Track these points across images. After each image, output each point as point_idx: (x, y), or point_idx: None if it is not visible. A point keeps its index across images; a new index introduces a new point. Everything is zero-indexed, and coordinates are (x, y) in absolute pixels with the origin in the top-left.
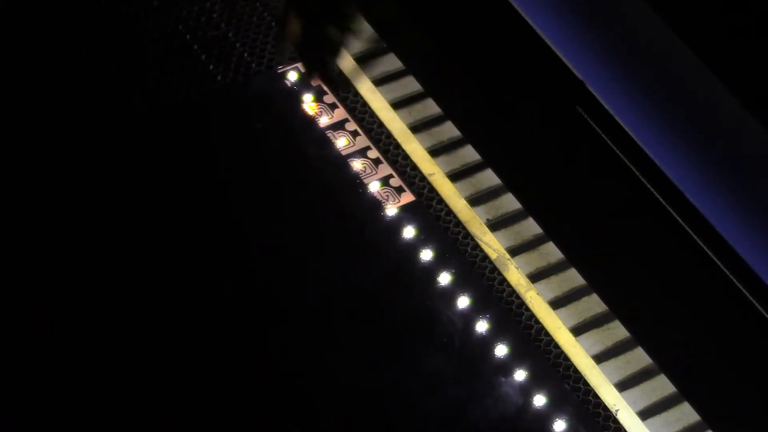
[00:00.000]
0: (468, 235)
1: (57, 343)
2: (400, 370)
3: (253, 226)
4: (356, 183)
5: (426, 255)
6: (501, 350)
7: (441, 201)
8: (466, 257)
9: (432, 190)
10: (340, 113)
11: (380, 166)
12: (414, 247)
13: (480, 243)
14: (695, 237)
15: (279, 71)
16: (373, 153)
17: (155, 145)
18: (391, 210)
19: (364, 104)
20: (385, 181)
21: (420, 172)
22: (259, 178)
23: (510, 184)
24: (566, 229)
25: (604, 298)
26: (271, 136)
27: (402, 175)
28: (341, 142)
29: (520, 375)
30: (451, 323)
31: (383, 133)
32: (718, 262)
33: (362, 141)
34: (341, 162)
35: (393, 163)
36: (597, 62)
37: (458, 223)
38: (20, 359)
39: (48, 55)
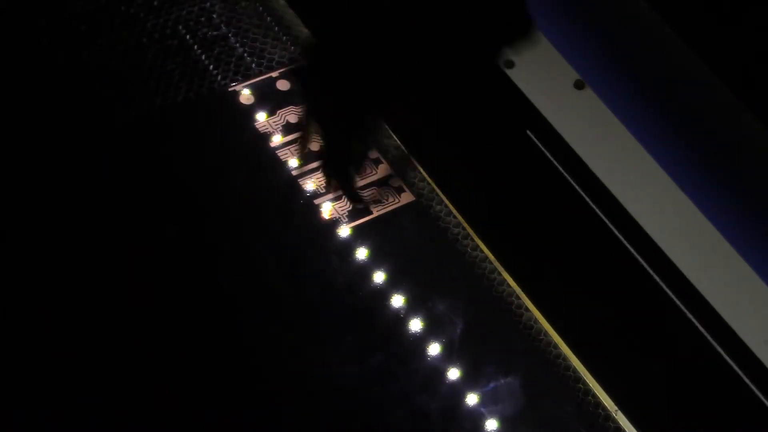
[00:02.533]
0: (468, 235)
1: (41, 342)
2: (397, 369)
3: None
4: (310, 203)
5: (379, 277)
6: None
7: (441, 201)
8: (466, 257)
9: (432, 190)
10: None
11: (380, 166)
12: (368, 266)
13: (480, 243)
14: (641, 260)
15: (230, 89)
16: (373, 153)
17: (137, 150)
18: (344, 230)
19: None
20: (384, 181)
21: (420, 172)
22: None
23: (456, 204)
24: (513, 250)
25: (552, 323)
26: (223, 154)
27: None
28: (293, 162)
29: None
30: (451, 323)
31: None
32: (664, 285)
33: None
34: (293, 181)
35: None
36: (596, 62)
37: (458, 224)
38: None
39: (47, 55)
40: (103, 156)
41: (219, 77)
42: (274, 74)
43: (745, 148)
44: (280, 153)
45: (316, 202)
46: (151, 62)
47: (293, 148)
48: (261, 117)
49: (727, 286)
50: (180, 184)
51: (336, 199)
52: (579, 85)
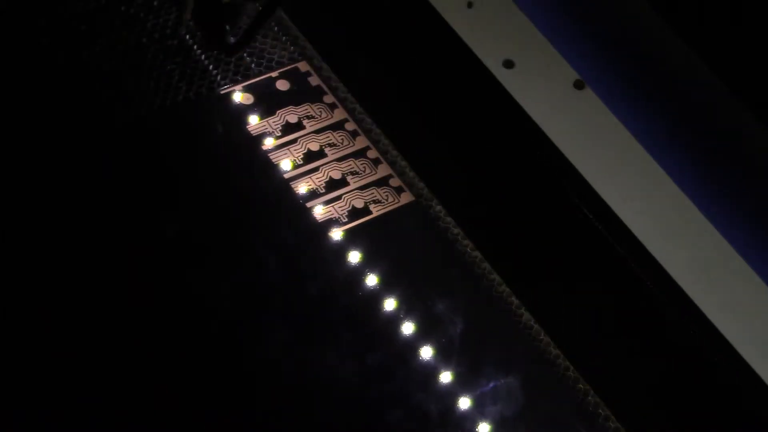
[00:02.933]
0: (467, 235)
1: (40, 342)
2: (397, 369)
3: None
4: (302, 207)
5: (371, 280)
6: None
7: (440, 201)
8: (466, 257)
9: (431, 190)
10: (340, 113)
11: (380, 166)
12: (368, 267)
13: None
14: (641, 261)
15: (222, 93)
16: (373, 153)
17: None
18: (336, 233)
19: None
20: (384, 181)
21: (419, 172)
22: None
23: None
24: (509, 251)
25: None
26: (223, 154)
27: (401, 175)
28: (286, 164)
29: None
30: (450, 323)
31: (382, 133)
32: (664, 286)
33: (362, 141)
34: (284, 185)
35: (392, 164)
36: (596, 62)
37: (458, 224)
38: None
39: (47, 55)
40: (103, 156)
41: (218, 77)
42: (274, 74)
43: (745, 148)
44: (281, 152)
45: (309, 203)
46: (150, 62)
47: (291, 148)
48: (261, 117)
49: (727, 287)
50: (180, 185)
51: (334, 200)
52: (579, 85)
